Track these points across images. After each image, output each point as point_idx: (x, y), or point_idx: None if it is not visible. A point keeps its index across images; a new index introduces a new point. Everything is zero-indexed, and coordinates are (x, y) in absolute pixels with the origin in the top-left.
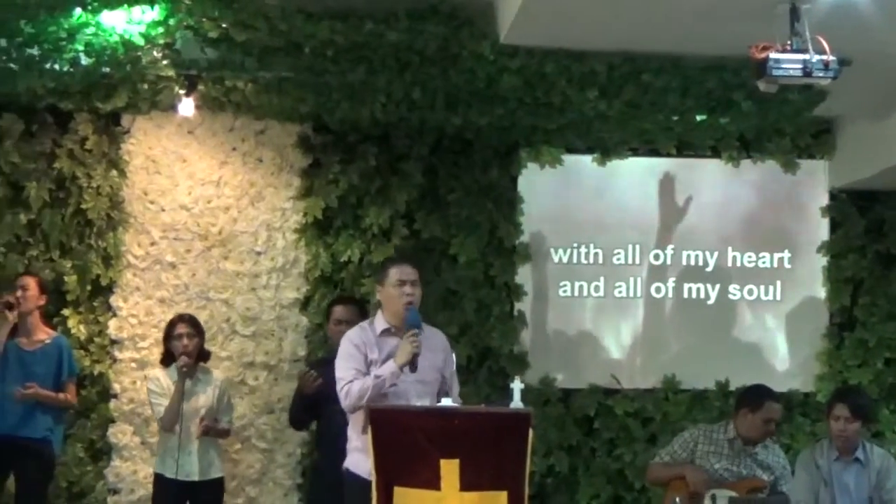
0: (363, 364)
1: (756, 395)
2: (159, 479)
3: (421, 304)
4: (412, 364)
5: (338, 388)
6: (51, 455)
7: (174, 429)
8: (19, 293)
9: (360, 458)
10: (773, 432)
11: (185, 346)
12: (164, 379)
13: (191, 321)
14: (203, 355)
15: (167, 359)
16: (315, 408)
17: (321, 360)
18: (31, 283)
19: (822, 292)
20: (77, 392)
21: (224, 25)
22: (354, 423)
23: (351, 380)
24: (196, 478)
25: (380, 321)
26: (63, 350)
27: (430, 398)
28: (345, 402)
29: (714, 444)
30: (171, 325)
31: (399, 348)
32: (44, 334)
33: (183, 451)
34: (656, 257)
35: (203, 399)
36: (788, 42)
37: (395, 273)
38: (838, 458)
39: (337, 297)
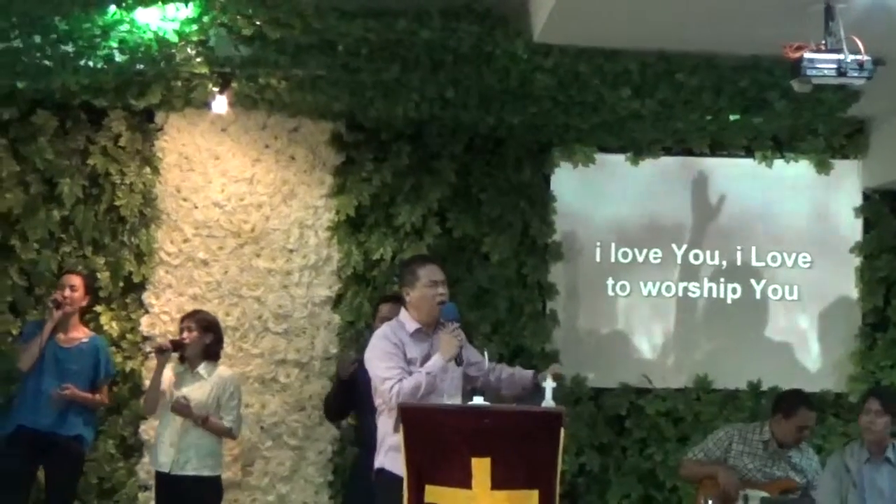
0: (405, 362)
1: (791, 402)
2: (155, 473)
3: (454, 302)
4: (458, 357)
5: (384, 387)
6: (81, 453)
7: (153, 413)
8: (67, 292)
9: (397, 457)
10: (806, 437)
11: (183, 338)
12: (167, 370)
13: (198, 318)
14: (209, 354)
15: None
16: (351, 400)
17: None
18: (78, 282)
19: (854, 293)
20: (109, 390)
21: (258, 23)
22: (387, 422)
23: (399, 378)
24: (167, 469)
25: (409, 321)
26: (101, 350)
27: (460, 395)
28: (395, 401)
29: (748, 444)
30: (182, 319)
31: (443, 342)
32: (81, 333)
33: (161, 440)
34: (688, 257)
35: (197, 393)
36: (823, 42)
37: (427, 273)
38: (869, 460)
39: (384, 295)
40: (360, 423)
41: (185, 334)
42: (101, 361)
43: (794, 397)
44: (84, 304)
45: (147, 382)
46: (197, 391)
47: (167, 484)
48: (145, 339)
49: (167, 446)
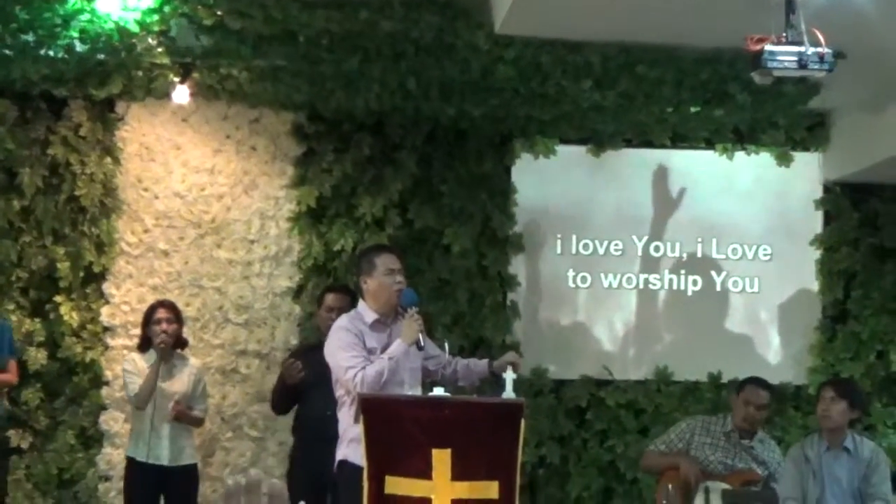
0: (365, 351)
1: (743, 381)
2: (131, 463)
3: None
4: (419, 342)
5: (346, 376)
6: (3, 432)
7: (146, 407)
8: None
9: (359, 449)
10: (756, 417)
11: (164, 330)
12: (139, 361)
13: (171, 307)
14: (180, 342)
15: (144, 344)
16: (297, 394)
17: (304, 348)
18: None
19: (815, 285)
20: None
21: (219, 13)
22: (349, 414)
23: (362, 366)
24: (166, 462)
25: (368, 312)
26: (4, 330)
27: (420, 386)
28: (360, 389)
29: (711, 435)
30: (151, 309)
31: (404, 327)
32: None
33: (154, 434)
34: (649, 249)
35: (178, 384)
36: (784, 34)
37: (384, 262)
38: (828, 449)
39: (329, 284)
40: (297, 413)
41: (165, 325)
42: (5, 340)
43: (748, 378)
44: None
45: (108, 372)
46: (177, 383)
47: (163, 476)
48: (106, 329)
49: (162, 439)
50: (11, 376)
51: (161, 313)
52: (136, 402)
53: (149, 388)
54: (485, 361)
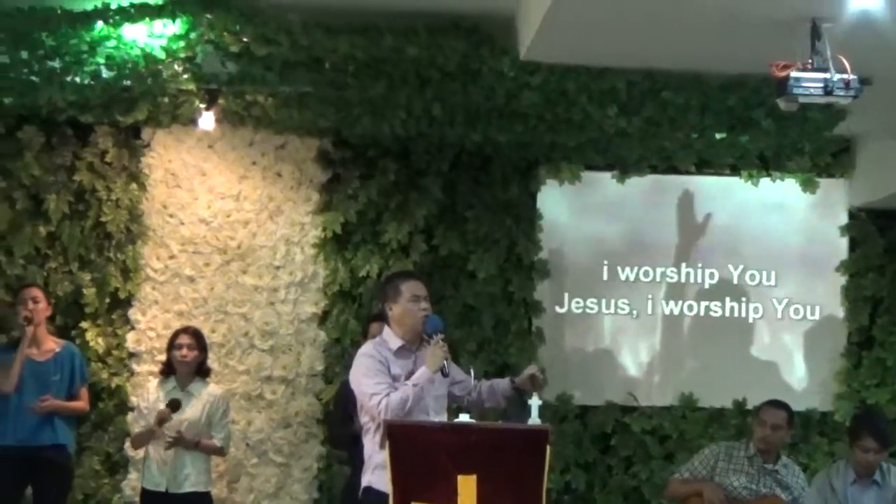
0: (389, 378)
1: (762, 403)
2: (141, 490)
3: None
4: (444, 369)
5: (371, 403)
6: (68, 461)
7: (139, 451)
8: (31, 305)
9: (384, 475)
10: (772, 438)
11: (185, 356)
12: (153, 392)
13: (194, 334)
14: (202, 371)
15: (167, 369)
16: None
17: None
18: (39, 294)
19: (840, 311)
20: (90, 399)
21: (245, 40)
22: (374, 440)
23: (387, 392)
24: (163, 488)
25: (393, 339)
26: (75, 357)
27: (445, 412)
28: (384, 416)
29: (734, 461)
30: (175, 335)
31: (429, 355)
32: (53, 344)
33: (154, 460)
34: (675, 275)
35: (188, 413)
36: (809, 61)
37: (409, 288)
38: (855, 482)
39: (375, 313)
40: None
41: (186, 351)
42: (77, 368)
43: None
44: (48, 314)
45: (134, 398)
46: (189, 411)
47: (167, 502)
48: (131, 355)
49: (162, 465)
50: (84, 404)
51: (182, 339)
52: (132, 443)
53: (145, 436)
54: (507, 379)
